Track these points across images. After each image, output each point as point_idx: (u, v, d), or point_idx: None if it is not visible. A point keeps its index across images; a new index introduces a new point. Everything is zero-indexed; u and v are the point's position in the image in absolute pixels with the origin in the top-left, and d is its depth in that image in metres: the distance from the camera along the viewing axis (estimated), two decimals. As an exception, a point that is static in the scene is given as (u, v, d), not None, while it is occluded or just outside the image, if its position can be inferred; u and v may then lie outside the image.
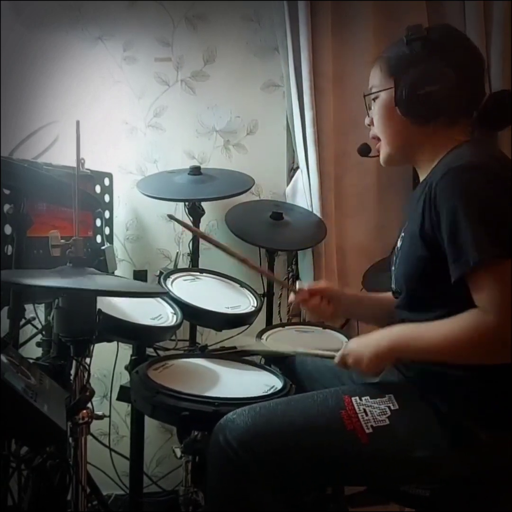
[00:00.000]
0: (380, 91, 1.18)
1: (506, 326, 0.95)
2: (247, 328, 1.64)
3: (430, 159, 1.15)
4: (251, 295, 1.71)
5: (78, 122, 1.10)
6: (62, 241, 1.13)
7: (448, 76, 1.08)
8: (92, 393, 1.22)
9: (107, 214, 1.78)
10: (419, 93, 1.10)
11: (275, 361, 1.55)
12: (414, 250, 1.10)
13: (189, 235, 1.96)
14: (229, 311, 1.57)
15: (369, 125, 1.25)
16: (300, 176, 2.01)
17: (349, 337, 1.65)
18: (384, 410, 1.07)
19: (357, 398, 1.09)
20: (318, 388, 1.31)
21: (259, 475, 1.07)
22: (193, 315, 1.54)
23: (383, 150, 1.22)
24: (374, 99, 1.21)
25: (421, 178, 1.20)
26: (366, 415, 1.07)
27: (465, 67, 1.12)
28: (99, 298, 1.21)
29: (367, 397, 1.09)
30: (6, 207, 1.31)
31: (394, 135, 1.19)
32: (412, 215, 1.12)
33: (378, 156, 1.25)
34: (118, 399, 1.57)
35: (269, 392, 1.26)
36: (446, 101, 1.10)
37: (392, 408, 1.07)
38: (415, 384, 1.11)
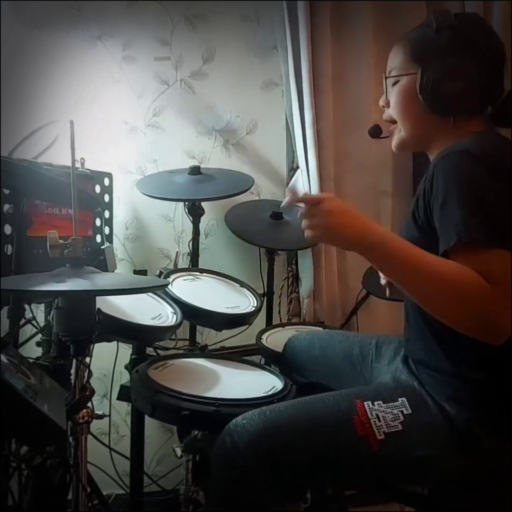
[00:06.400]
0: (401, 75, 1.15)
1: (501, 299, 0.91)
2: (247, 328, 1.64)
3: (443, 146, 1.11)
4: (251, 295, 1.71)
5: (72, 122, 1.09)
6: (61, 241, 1.12)
7: (474, 73, 1.07)
8: (92, 392, 1.22)
9: (107, 213, 1.78)
10: (446, 87, 1.08)
11: (275, 361, 1.55)
12: (409, 230, 1.11)
13: (189, 235, 1.96)
14: (229, 311, 1.57)
15: (383, 106, 1.22)
16: (300, 175, 2.01)
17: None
18: (397, 415, 1.05)
19: (369, 402, 1.06)
20: (309, 379, 1.34)
21: (265, 481, 1.05)
22: (193, 315, 1.54)
23: (399, 135, 1.19)
24: (393, 83, 1.17)
25: None
26: (379, 420, 1.04)
27: (490, 62, 1.10)
28: (99, 297, 1.21)
29: (380, 402, 1.06)
30: (6, 206, 1.31)
31: (413, 122, 1.17)
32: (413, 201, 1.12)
33: (387, 137, 1.23)
34: (118, 398, 1.57)
35: (270, 393, 1.26)
36: (470, 97, 1.08)
37: (405, 412, 1.05)
38: (426, 387, 1.09)
